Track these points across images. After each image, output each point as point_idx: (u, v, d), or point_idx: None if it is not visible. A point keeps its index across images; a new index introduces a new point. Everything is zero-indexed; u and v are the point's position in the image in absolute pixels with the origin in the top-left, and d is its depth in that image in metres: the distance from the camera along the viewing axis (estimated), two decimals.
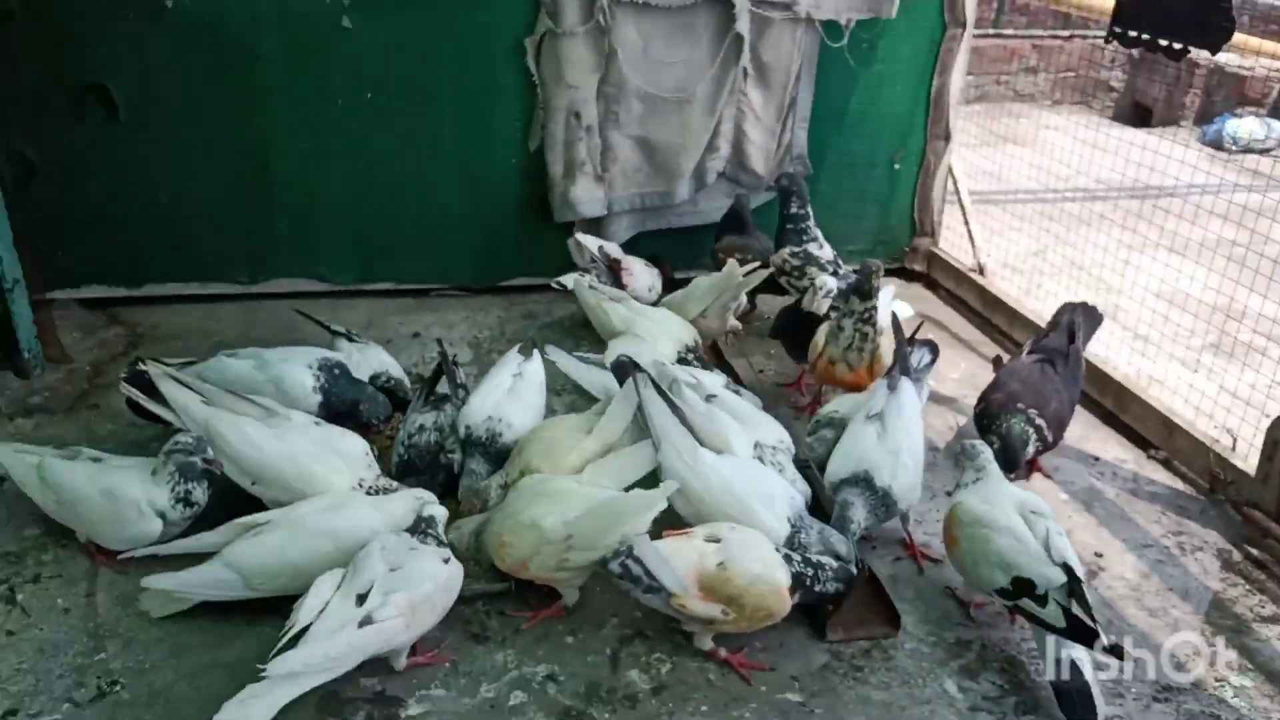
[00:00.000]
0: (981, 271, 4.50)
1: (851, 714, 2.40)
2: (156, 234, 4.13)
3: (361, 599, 2.27)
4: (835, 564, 2.52)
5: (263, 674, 2.18)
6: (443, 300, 4.44)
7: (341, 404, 3.11)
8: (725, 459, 2.72)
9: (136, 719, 2.32)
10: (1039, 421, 3.07)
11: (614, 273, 4.09)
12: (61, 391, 3.59)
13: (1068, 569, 2.41)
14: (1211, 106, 7.38)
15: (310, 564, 2.45)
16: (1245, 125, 6.90)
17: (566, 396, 3.58)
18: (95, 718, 2.32)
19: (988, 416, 3.13)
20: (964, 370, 4.00)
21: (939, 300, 4.65)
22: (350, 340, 3.46)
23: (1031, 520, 2.53)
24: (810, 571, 2.48)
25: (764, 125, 4.38)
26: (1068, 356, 3.29)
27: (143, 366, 2.95)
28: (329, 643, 2.22)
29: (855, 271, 3.56)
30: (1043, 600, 2.39)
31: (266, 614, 2.57)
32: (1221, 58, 7.10)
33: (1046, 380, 3.20)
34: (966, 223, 4.61)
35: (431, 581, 2.37)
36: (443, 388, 3.17)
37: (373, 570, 2.32)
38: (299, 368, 3.11)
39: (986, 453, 2.72)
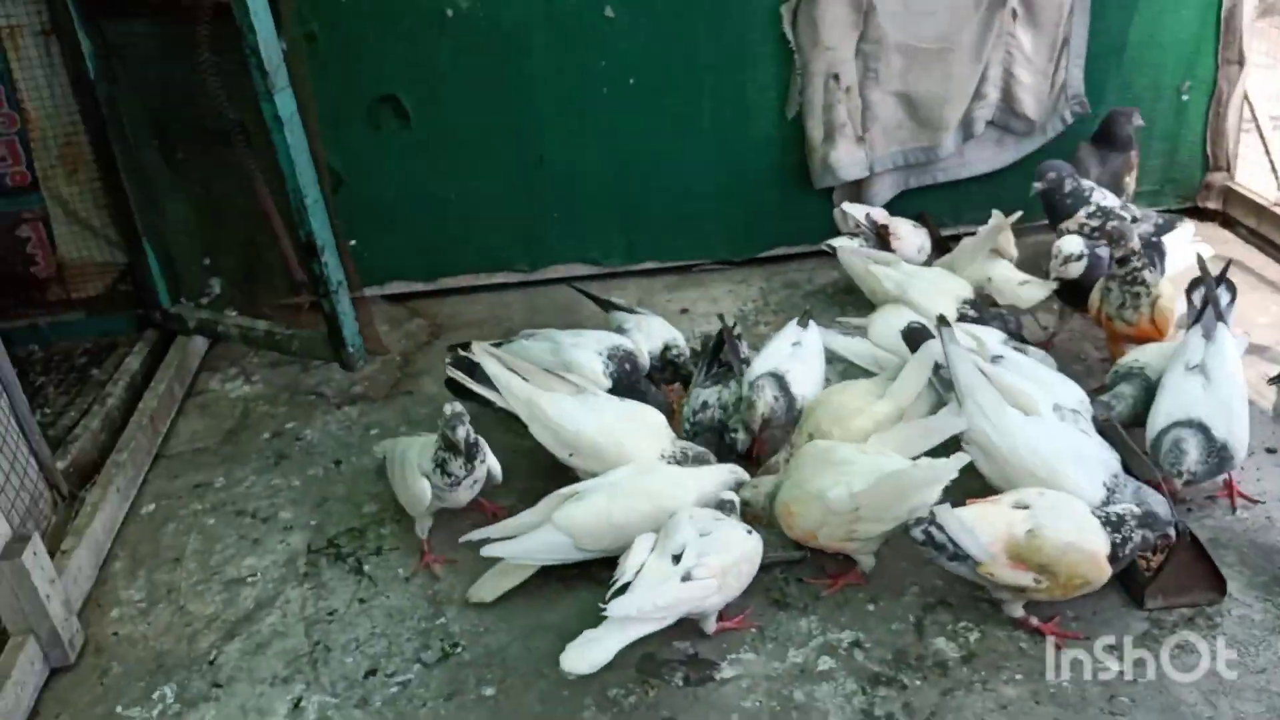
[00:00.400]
0: None
1: (1177, 684, 2.31)
2: (446, 229, 4.46)
3: (676, 559, 2.42)
4: (1138, 513, 2.42)
5: (603, 614, 2.36)
6: (706, 275, 4.54)
7: (627, 393, 3.27)
8: (1034, 419, 2.65)
9: (478, 677, 2.56)
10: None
11: (882, 238, 4.05)
12: (379, 380, 3.96)
13: None
14: None
15: (630, 523, 2.63)
16: None
17: (838, 365, 3.58)
18: (442, 676, 2.58)
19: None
20: (1274, 314, 3.68)
21: (1238, 240, 4.31)
22: (631, 313, 3.62)
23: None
24: (1120, 537, 2.39)
25: (1035, 66, 4.19)
26: None
27: (464, 353, 3.19)
28: (655, 592, 2.38)
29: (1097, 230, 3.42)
30: None
31: (581, 581, 2.78)
32: None
33: None
34: (1268, 151, 4.26)
35: (739, 548, 2.49)
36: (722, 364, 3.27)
37: (684, 534, 2.46)
38: (589, 353, 3.29)
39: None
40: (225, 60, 3.50)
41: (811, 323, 3.34)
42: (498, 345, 3.35)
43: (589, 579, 2.79)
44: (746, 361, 3.23)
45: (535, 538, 2.70)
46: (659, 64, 4.17)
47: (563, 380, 3.08)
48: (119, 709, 2.55)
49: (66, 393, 3.83)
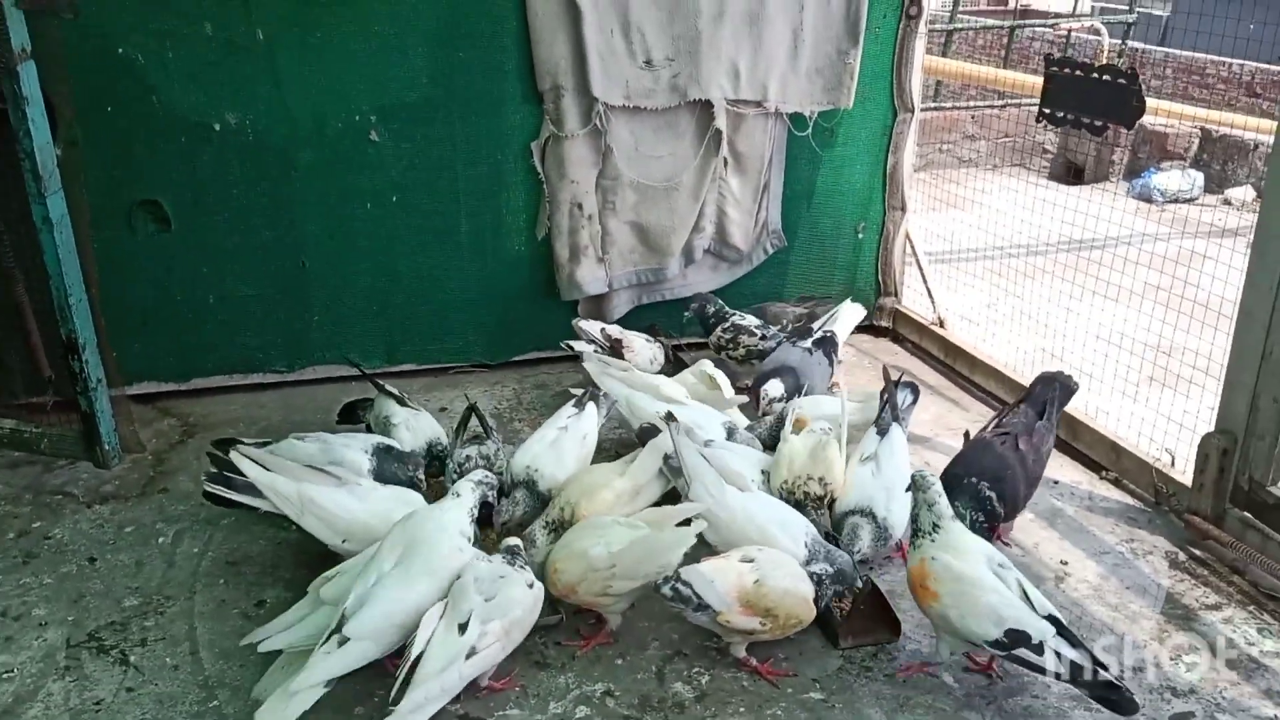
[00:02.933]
0: (942, 324, 5.04)
1: (867, 706, 2.83)
2: (203, 331, 4.52)
3: (463, 628, 2.65)
4: (830, 570, 2.97)
5: (390, 713, 2.53)
6: (462, 377, 4.86)
7: (388, 479, 3.50)
8: (748, 494, 3.18)
9: None
10: (989, 494, 3.26)
11: (616, 352, 4.50)
12: (130, 479, 3.94)
13: (1054, 619, 2.67)
14: (1138, 162, 8.08)
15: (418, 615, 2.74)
16: (1170, 178, 7.57)
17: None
18: None
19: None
20: (933, 413, 4.50)
21: (905, 352, 5.17)
22: (402, 405, 3.87)
23: (1000, 574, 2.76)
24: (826, 583, 2.94)
25: (743, 206, 4.91)
26: (1032, 433, 3.45)
27: (219, 454, 3.30)
28: (442, 678, 2.60)
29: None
30: (1039, 649, 2.62)
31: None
32: (1146, 119, 7.82)
33: (1003, 457, 3.37)
34: (925, 281, 5.15)
35: (520, 606, 2.78)
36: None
37: (470, 601, 2.69)
38: (356, 451, 3.52)
39: (937, 485, 2.90)
40: None
41: (590, 406, 3.70)
42: (264, 445, 3.50)
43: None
44: (490, 428, 3.74)
45: (343, 659, 2.67)
46: (422, 184, 4.51)
47: (324, 474, 3.27)
48: None
49: None
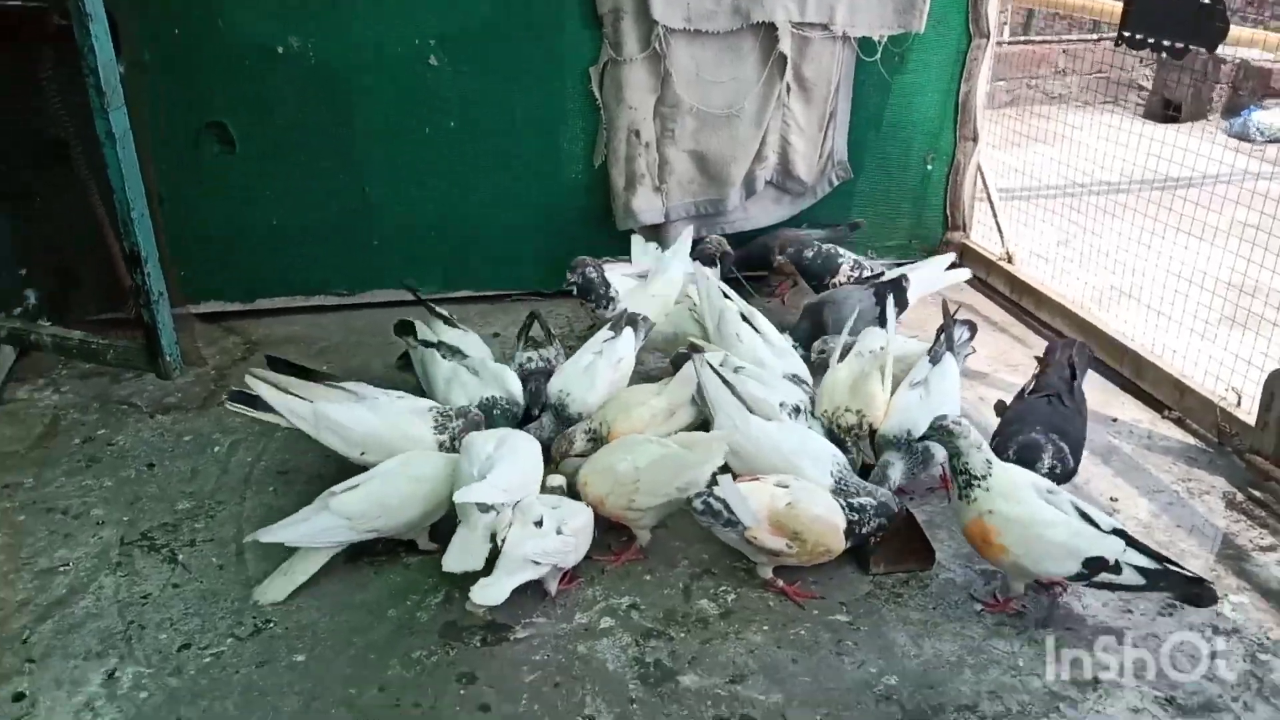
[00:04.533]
0: (1010, 260, 4.87)
1: (893, 630, 2.79)
2: (265, 253, 4.65)
3: (538, 524, 2.77)
4: (875, 503, 2.93)
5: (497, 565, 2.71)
6: (517, 304, 4.89)
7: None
8: (774, 424, 3.15)
9: (290, 647, 2.76)
10: (1061, 444, 3.09)
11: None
12: (192, 392, 4.10)
13: (1119, 531, 2.66)
14: (1239, 100, 7.63)
15: (402, 505, 2.96)
16: (1271, 117, 7.13)
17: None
18: (255, 647, 2.77)
19: (1008, 448, 3.06)
20: (995, 349, 4.37)
21: (971, 288, 5.00)
22: (452, 326, 3.90)
23: (1054, 501, 2.71)
24: (856, 517, 2.89)
25: (807, 135, 4.79)
26: (1072, 393, 3.32)
27: (278, 369, 3.37)
28: (542, 542, 2.75)
29: None
30: (1117, 569, 2.61)
31: (390, 565, 3.06)
32: (1248, 53, 7.37)
33: (1057, 412, 3.23)
34: (995, 215, 4.98)
35: (585, 515, 2.91)
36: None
37: (538, 509, 2.82)
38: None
39: (971, 430, 2.77)
40: (63, 79, 3.63)
41: (627, 330, 3.68)
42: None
43: (398, 564, 3.07)
44: (551, 334, 3.88)
45: (312, 523, 2.93)
46: (480, 110, 4.52)
47: (341, 390, 3.34)
48: None
49: None
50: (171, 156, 4.34)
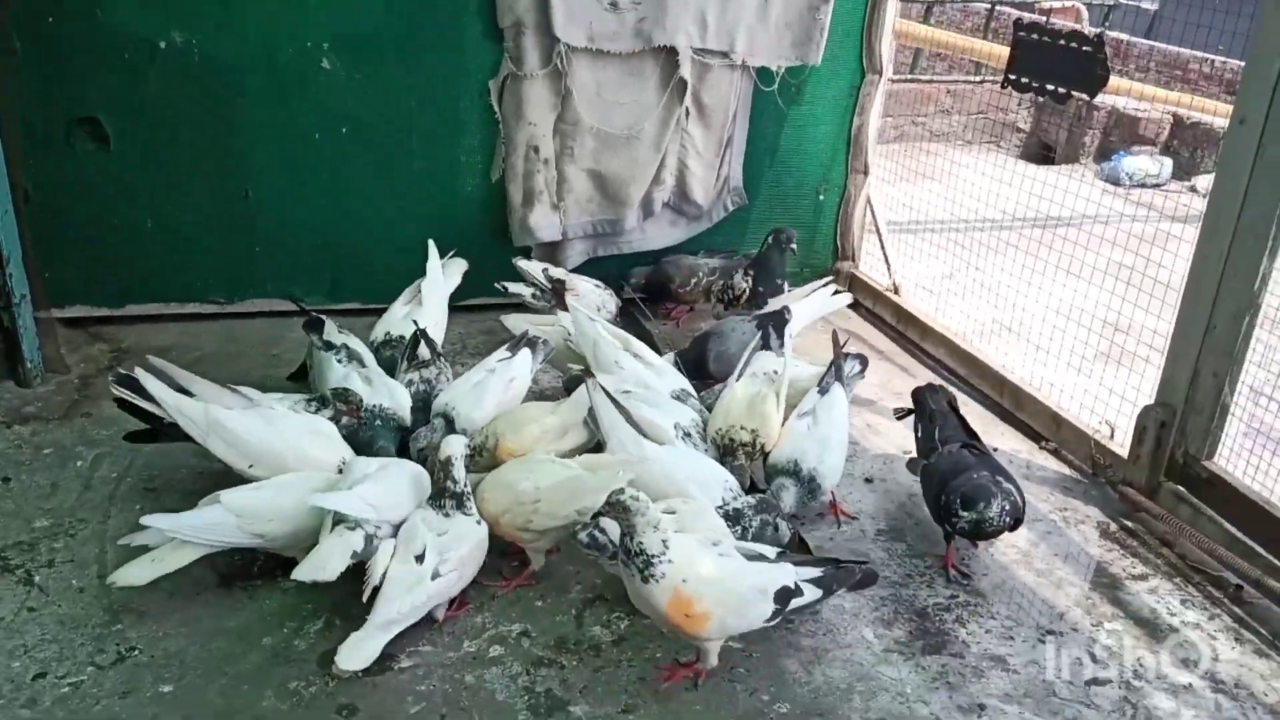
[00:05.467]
0: (896, 291, 4.99)
1: (784, 656, 2.80)
2: (139, 256, 4.42)
3: (419, 559, 2.66)
4: (759, 522, 2.97)
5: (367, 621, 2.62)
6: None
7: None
8: (666, 449, 3.14)
9: (156, 676, 2.62)
10: (1009, 486, 3.10)
11: (559, 294, 4.33)
12: (54, 401, 3.86)
13: (781, 554, 2.76)
14: (1110, 145, 8.04)
15: (298, 514, 2.83)
16: (1139, 162, 7.53)
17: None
18: (117, 676, 2.61)
19: (970, 499, 3.02)
20: (881, 377, 4.45)
21: (859, 317, 5.11)
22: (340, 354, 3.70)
23: (724, 550, 2.67)
24: (748, 514, 2.98)
25: (704, 160, 4.82)
26: (975, 437, 3.37)
27: (123, 372, 3.18)
28: (412, 594, 2.64)
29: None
30: (799, 590, 2.64)
31: (265, 589, 2.92)
32: (1120, 101, 7.78)
33: (985, 461, 3.23)
34: (883, 247, 5.10)
35: (472, 538, 2.80)
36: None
37: (422, 537, 2.72)
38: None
39: (643, 499, 2.55)
40: None
41: (524, 351, 3.64)
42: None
43: (274, 588, 2.93)
44: (439, 353, 3.75)
45: (200, 514, 2.81)
46: (373, 118, 4.40)
47: (234, 394, 3.21)
48: None
49: None
50: (40, 151, 4.10)
